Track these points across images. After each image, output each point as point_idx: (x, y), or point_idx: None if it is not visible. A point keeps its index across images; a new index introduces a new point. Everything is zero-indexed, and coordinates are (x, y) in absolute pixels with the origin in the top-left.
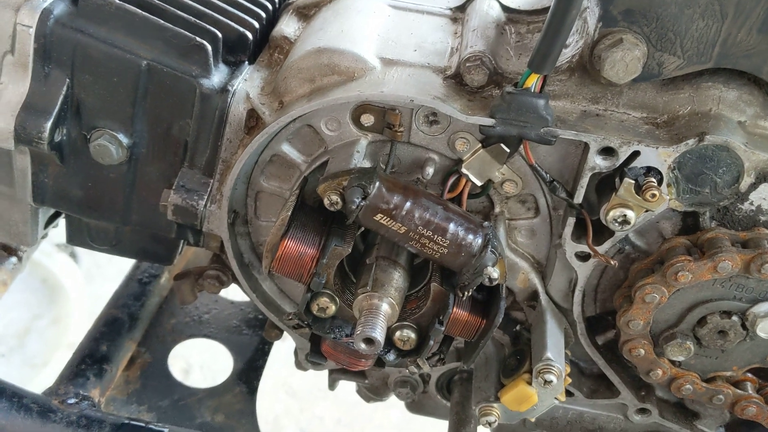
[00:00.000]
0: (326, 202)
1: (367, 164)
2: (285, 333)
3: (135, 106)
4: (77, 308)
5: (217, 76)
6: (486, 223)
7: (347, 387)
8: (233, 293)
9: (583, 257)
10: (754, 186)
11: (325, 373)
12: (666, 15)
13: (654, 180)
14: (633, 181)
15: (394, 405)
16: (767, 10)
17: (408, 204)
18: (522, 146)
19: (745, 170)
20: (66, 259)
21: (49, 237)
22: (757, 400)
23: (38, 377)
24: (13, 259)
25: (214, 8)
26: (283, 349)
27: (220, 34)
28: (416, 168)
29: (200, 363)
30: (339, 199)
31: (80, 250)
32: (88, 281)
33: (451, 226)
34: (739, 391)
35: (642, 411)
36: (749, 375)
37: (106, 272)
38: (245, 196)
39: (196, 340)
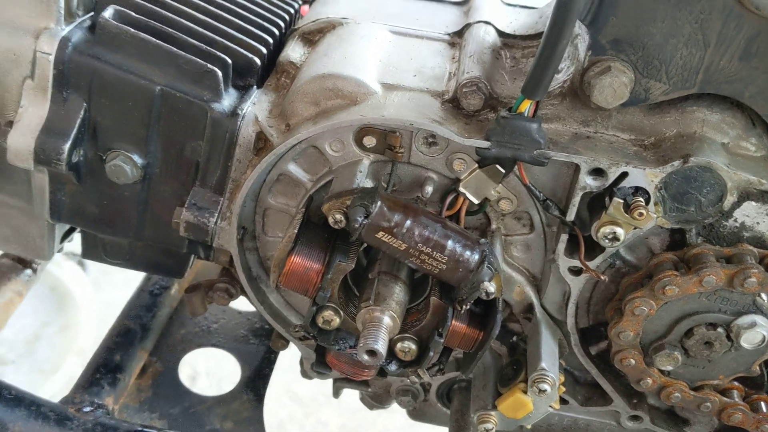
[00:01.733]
0: (330, 220)
1: (369, 183)
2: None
3: (149, 129)
4: (86, 315)
5: (228, 101)
6: (483, 240)
7: (351, 392)
8: (240, 303)
9: (575, 272)
10: (737, 204)
11: (329, 379)
12: (651, 44)
13: (642, 199)
14: (622, 201)
15: (398, 410)
16: (747, 39)
17: (408, 222)
18: (516, 167)
19: (728, 189)
20: (74, 267)
21: None
22: (743, 407)
23: (48, 383)
24: (28, 271)
25: (223, 35)
26: (288, 355)
27: (229, 60)
28: (416, 187)
29: (206, 370)
30: (342, 218)
31: None
32: (96, 288)
33: (450, 243)
34: (725, 398)
35: (634, 418)
36: (735, 383)
37: (114, 279)
38: (253, 213)
39: (203, 348)
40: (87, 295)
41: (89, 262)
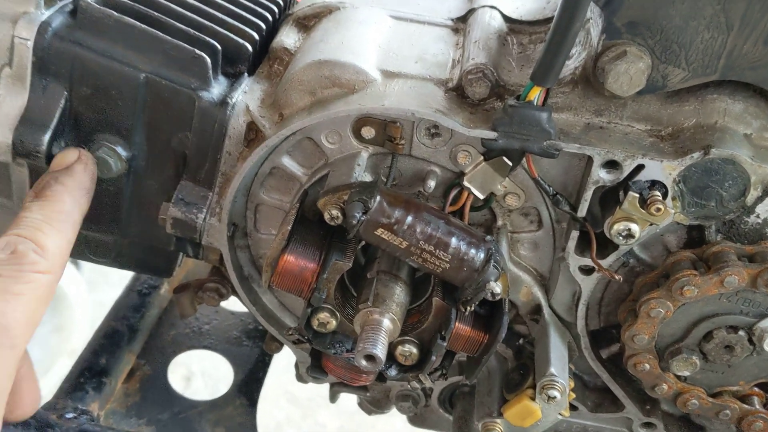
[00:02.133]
0: (327, 216)
1: (368, 177)
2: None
3: (134, 119)
4: (80, 315)
5: (217, 89)
6: (488, 238)
7: (349, 395)
8: (233, 303)
9: (586, 271)
10: (760, 199)
11: (326, 383)
12: (670, 27)
13: (659, 193)
14: (637, 195)
15: (397, 414)
16: None
17: (409, 218)
18: (525, 159)
19: (752, 183)
20: (68, 267)
21: None
22: (764, 415)
23: (40, 385)
24: None
25: (213, 20)
26: (285, 355)
27: (219, 46)
28: (418, 181)
29: (201, 370)
30: (339, 214)
31: None
32: (91, 288)
33: (453, 241)
34: (746, 406)
35: (647, 425)
36: (756, 390)
37: (109, 279)
38: (245, 209)
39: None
40: (81, 295)
41: (84, 262)
